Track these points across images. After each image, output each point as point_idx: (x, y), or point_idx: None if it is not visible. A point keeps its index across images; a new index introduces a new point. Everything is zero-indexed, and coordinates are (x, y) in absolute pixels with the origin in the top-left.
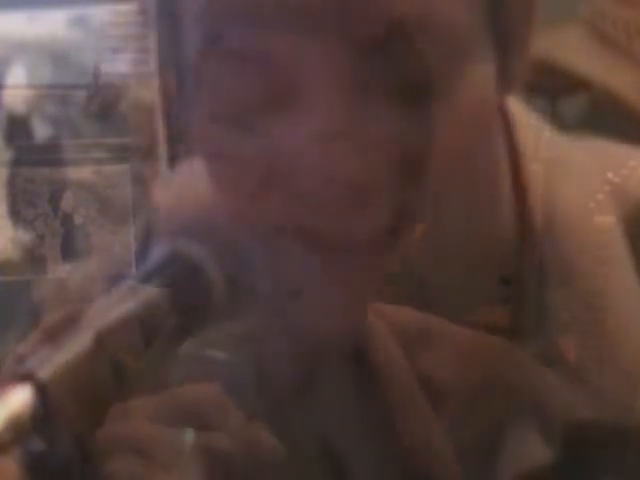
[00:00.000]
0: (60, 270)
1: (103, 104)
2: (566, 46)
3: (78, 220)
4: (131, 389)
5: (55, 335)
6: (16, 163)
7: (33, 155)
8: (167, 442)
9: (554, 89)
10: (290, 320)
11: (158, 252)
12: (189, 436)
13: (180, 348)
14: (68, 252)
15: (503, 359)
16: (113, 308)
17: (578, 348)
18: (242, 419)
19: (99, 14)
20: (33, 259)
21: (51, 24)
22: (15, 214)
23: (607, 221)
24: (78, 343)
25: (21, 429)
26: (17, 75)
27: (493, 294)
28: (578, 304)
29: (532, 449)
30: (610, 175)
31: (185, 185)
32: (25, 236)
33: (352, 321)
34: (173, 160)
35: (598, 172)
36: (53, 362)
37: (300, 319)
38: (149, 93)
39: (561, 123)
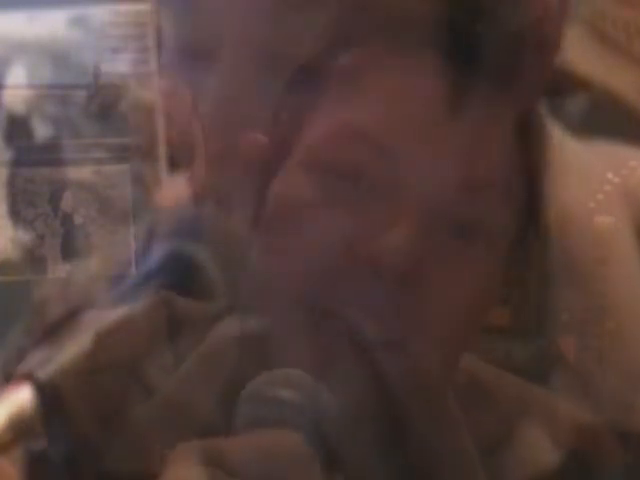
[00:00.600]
0: (60, 270)
1: (103, 104)
2: (566, 46)
3: (78, 220)
4: (142, 391)
5: (56, 335)
6: (16, 163)
7: (33, 155)
8: None
9: (554, 89)
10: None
11: (158, 252)
12: None
13: (244, 388)
14: (68, 252)
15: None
16: (113, 309)
17: (578, 348)
18: (319, 472)
19: (99, 14)
20: (33, 259)
21: (51, 24)
22: (15, 214)
23: (607, 221)
24: (78, 343)
25: (22, 429)
26: (17, 75)
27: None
28: (578, 304)
29: (539, 453)
30: (610, 175)
31: (185, 187)
32: (25, 236)
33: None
34: (173, 160)
35: (598, 172)
36: (53, 362)
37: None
38: (149, 93)
39: (561, 123)
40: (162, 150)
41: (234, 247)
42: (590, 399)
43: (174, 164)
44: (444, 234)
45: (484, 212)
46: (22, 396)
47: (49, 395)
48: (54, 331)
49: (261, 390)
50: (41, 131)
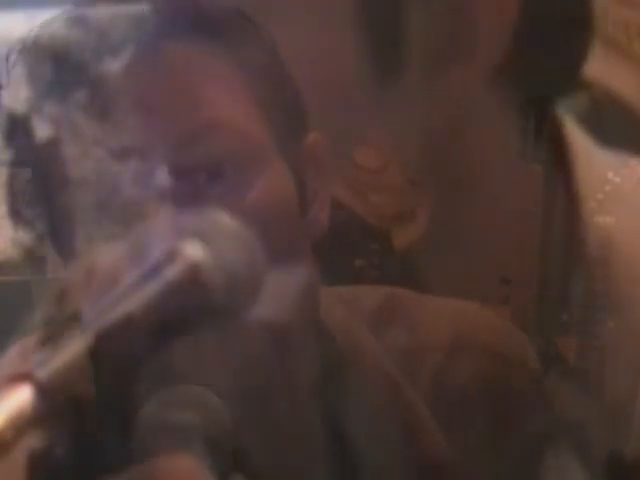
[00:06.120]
0: (60, 270)
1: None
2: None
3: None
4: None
5: (55, 335)
6: (16, 163)
7: (33, 155)
8: None
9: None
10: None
11: (158, 252)
12: None
13: (143, 413)
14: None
15: (486, 325)
16: (113, 308)
17: (578, 348)
18: None
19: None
20: (33, 259)
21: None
22: (15, 214)
23: (607, 221)
24: (78, 343)
25: (22, 428)
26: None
27: (493, 294)
28: (579, 304)
29: (571, 476)
30: (610, 175)
31: None
32: (25, 236)
33: None
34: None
35: (598, 172)
36: (53, 362)
37: None
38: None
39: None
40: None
41: None
42: (590, 399)
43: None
44: (199, 179)
45: (227, 150)
46: (22, 396)
47: (48, 395)
48: (55, 331)
49: (156, 415)
50: (41, 131)
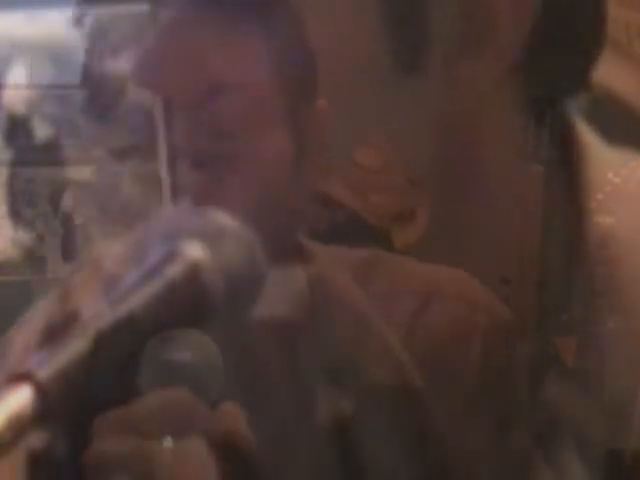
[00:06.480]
0: (60, 270)
1: (103, 104)
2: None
3: (78, 220)
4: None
5: (55, 335)
6: (16, 163)
7: (33, 155)
8: (146, 456)
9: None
10: None
11: (158, 252)
12: (168, 444)
13: (143, 353)
14: (68, 252)
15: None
16: (113, 308)
17: (578, 348)
18: (212, 414)
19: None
20: (33, 259)
21: (51, 24)
22: (15, 214)
23: (607, 221)
24: (78, 343)
25: (21, 429)
26: (17, 75)
27: (493, 294)
28: (579, 304)
29: (571, 475)
30: (610, 175)
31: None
32: (25, 236)
33: None
34: (173, 160)
35: (598, 172)
36: (53, 362)
37: None
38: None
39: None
40: (162, 150)
41: None
42: (590, 399)
43: (174, 164)
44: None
45: (235, 111)
46: (22, 396)
47: (48, 395)
48: (54, 331)
49: (156, 354)
50: (41, 131)
